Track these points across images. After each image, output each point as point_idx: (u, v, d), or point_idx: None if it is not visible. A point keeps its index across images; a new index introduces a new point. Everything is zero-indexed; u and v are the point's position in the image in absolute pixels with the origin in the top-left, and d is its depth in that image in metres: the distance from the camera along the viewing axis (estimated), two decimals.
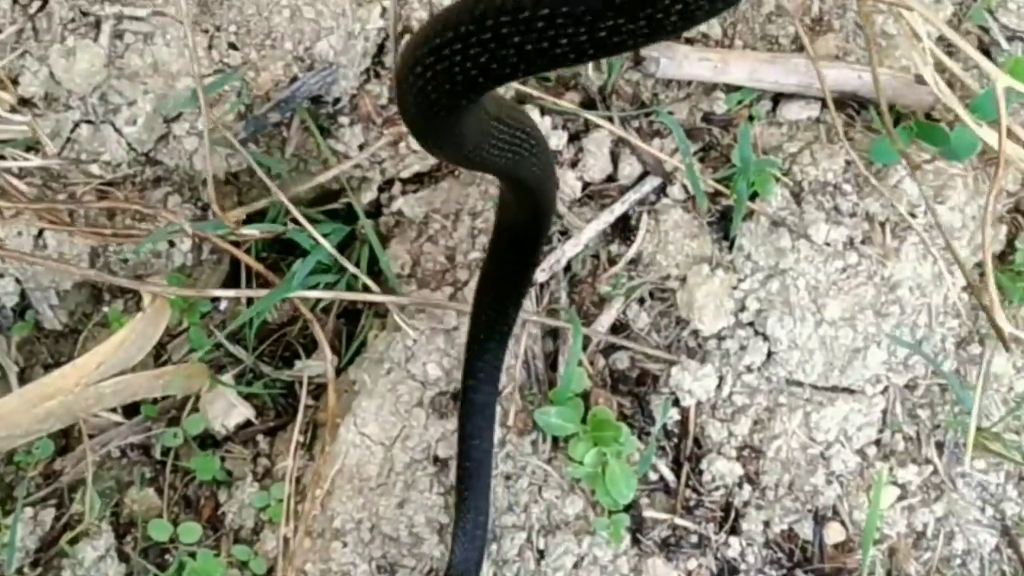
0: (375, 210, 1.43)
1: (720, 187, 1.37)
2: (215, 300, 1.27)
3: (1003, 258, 1.45)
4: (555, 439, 1.34)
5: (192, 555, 1.25)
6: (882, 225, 1.37)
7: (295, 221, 1.22)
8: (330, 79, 1.33)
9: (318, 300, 1.37)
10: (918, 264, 1.36)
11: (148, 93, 1.31)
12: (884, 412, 1.40)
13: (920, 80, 1.38)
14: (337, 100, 1.38)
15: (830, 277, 1.35)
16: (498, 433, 1.31)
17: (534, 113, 1.38)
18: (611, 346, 1.39)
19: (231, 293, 1.25)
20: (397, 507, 1.30)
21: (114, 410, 1.29)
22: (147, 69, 1.30)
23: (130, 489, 1.31)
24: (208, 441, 1.33)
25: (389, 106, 1.39)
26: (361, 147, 1.39)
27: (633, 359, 1.39)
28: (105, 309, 1.29)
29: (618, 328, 1.39)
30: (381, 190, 1.43)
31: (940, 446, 1.42)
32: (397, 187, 1.42)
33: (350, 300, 1.41)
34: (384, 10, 1.34)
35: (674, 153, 1.39)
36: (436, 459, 1.31)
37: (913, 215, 1.36)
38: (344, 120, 1.38)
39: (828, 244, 1.36)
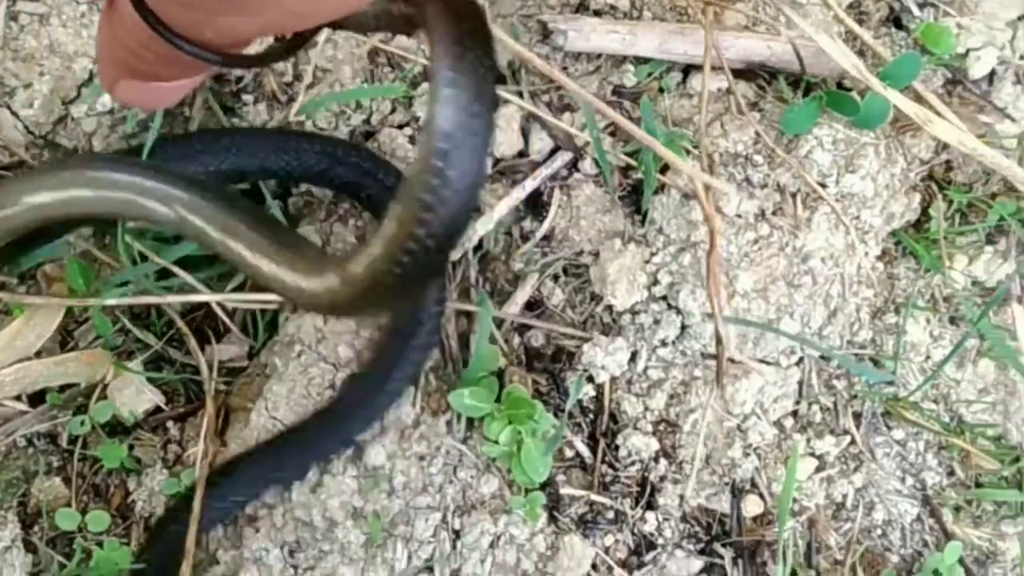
0: (283, 191, 1.61)
1: (631, 161, 1.56)
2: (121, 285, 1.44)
3: (918, 226, 1.66)
4: (470, 419, 1.53)
5: (100, 544, 1.43)
6: (793, 196, 1.57)
7: None
8: None
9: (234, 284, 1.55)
10: (830, 234, 1.56)
11: (45, 75, 1.48)
12: (800, 383, 1.60)
13: (830, 49, 1.58)
14: (240, 78, 1.56)
15: (742, 249, 1.55)
16: (412, 414, 1.50)
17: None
18: (526, 324, 1.59)
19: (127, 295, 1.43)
20: (310, 491, 1.48)
21: (19, 398, 1.46)
22: (43, 51, 1.48)
23: (36, 478, 1.48)
24: (117, 428, 1.50)
25: (295, 83, 1.58)
26: (265, 126, 1.57)
27: (548, 336, 1.58)
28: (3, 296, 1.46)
29: (533, 305, 1.59)
30: None
31: (857, 416, 1.63)
32: None
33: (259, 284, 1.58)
34: None
35: (584, 127, 1.58)
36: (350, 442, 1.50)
37: (824, 185, 1.57)
38: (248, 98, 1.56)
39: (739, 216, 1.56)
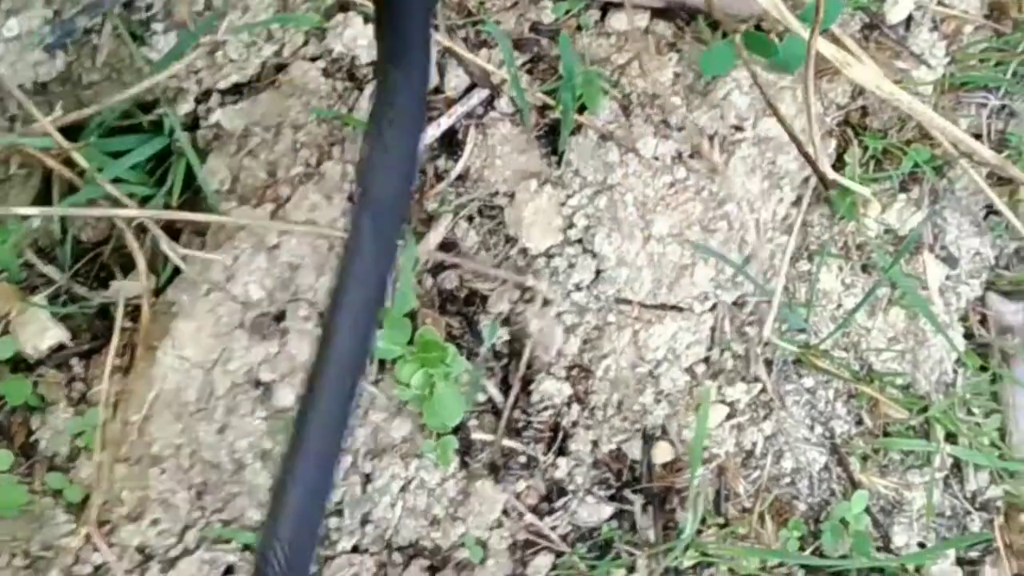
0: (193, 123, 1.69)
1: (548, 100, 1.67)
2: (25, 218, 1.52)
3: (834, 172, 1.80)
4: (382, 361, 1.64)
5: None
6: (711, 139, 1.70)
7: (108, 135, 1.49)
8: None
9: (132, 219, 1.63)
10: (746, 179, 1.69)
11: None
12: (713, 330, 1.74)
13: None
14: (150, 5, 1.63)
15: (658, 192, 1.67)
16: None
17: (356, 20, 1.66)
18: (439, 265, 1.70)
19: (35, 211, 1.51)
20: (218, 432, 1.57)
21: None
22: None
23: None
24: (20, 365, 1.58)
25: (205, 12, 1.66)
26: (176, 56, 1.65)
27: (462, 278, 1.69)
28: None
29: (446, 246, 1.69)
30: (198, 102, 1.69)
31: (769, 364, 1.77)
32: (215, 98, 1.69)
33: (167, 219, 1.67)
34: None
35: (502, 65, 1.69)
36: (259, 383, 1.59)
37: (741, 128, 1.70)
38: (158, 27, 1.63)
39: (657, 158, 1.68)
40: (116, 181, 1.56)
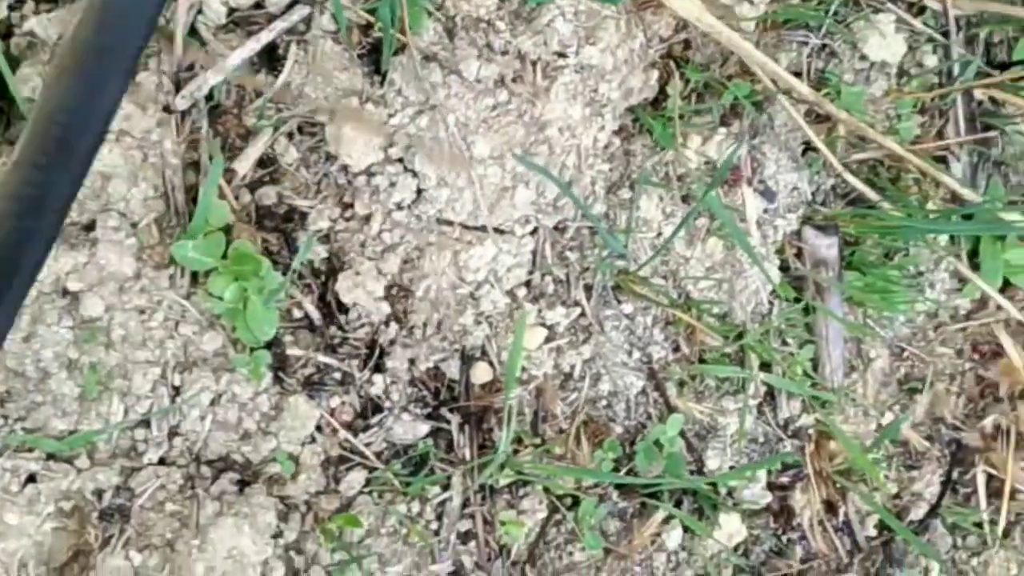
0: (6, 30, 1.67)
1: (371, 18, 1.68)
2: None
3: (655, 104, 1.84)
4: (194, 275, 1.64)
5: None
6: (533, 64, 1.73)
7: None
8: None
9: None
10: (568, 105, 1.72)
11: None
12: (534, 253, 1.77)
13: None
14: None
15: (480, 115, 1.69)
16: (132, 266, 1.60)
17: None
18: (258, 181, 1.70)
19: None
20: (23, 341, 1.56)
21: None
22: None
23: None
24: None
25: None
26: None
27: (280, 195, 1.70)
28: None
29: (265, 162, 1.70)
30: (12, 8, 1.66)
31: (589, 289, 1.81)
32: (29, 6, 1.66)
33: None
34: None
35: None
36: (66, 292, 1.58)
37: (564, 55, 1.73)
38: None
39: (479, 81, 1.70)
40: None
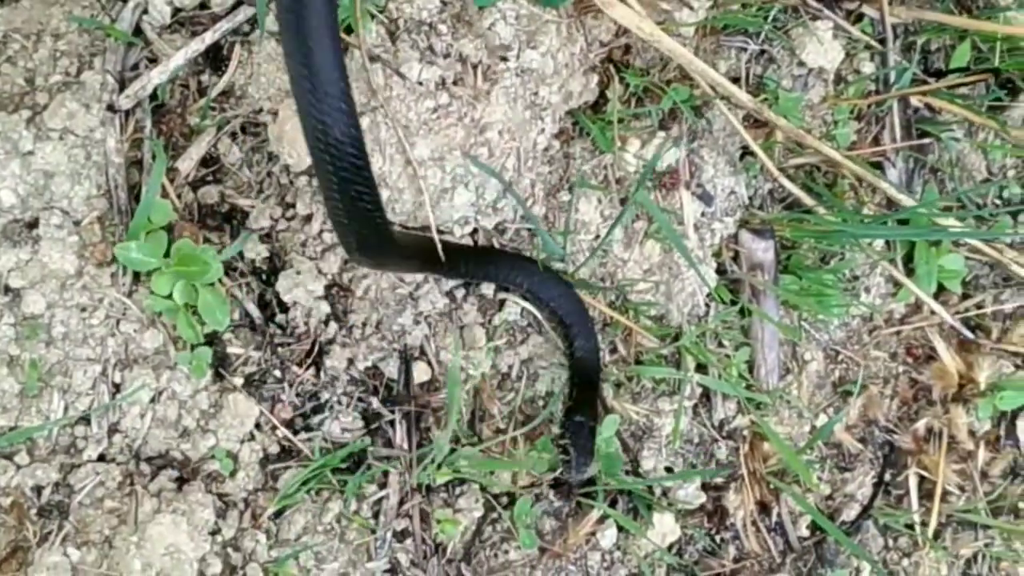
0: None
1: None
2: None
3: (595, 108, 1.92)
4: (136, 274, 1.70)
5: None
6: (475, 67, 1.80)
7: None
8: None
9: None
10: (509, 108, 1.79)
11: None
12: None
13: None
14: None
15: (421, 116, 1.76)
16: (75, 264, 1.66)
17: None
18: (201, 180, 1.76)
19: None
20: None
21: None
22: None
23: None
24: None
25: None
26: None
27: (223, 194, 1.76)
28: None
29: (209, 161, 1.76)
30: None
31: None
32: None
33: None
34: None
35: None
36: (7, 289, 1.64)
37: (505, 59, 1.80)
38: None
39: (421, 83, 1.76)
40: None
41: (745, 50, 1.92)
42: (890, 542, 2.12)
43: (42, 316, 1.57)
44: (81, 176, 1.61)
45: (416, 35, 1.72)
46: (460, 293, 1.77)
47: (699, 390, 1.94)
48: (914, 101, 2.04)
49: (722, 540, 1.98)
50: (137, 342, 1.63)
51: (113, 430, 1.63)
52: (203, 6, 1.72)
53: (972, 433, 2.13)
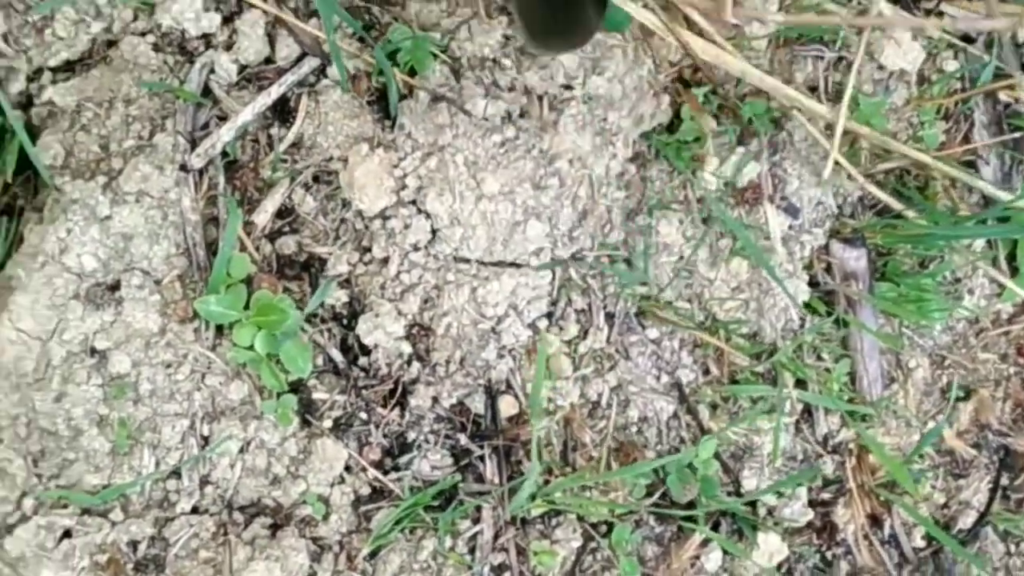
0: (27, 101, 1.69)
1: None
2: None
3: (670, 129, 1.79)
4: (219, 327, 1.64)
5: None
6: (540, 98, 1.70)
7: None
8: None
9: None
10: (577, 136, 1.69)
11: None
12: (553, 284, 1.73)
13: None
14: None
15: (488, 152, 1.67)
16: (158, 322, 1.61)
17: None
18: (278, 231, 1.70)
19: None
20: (55, 401, 1.58)
21: None
22: None
23: None
24: None
25: None
26: (5, 37, 1.65)
27: (300, 243, 1.70)
28: None
29: (284, 212, 1.70)
30: (30, 80, 1.69)
31: (611, 316, 1.77)
32: (47, 76, 1.69)
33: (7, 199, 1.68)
34: None
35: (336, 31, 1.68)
36: (94, 351, 1.60)
37: (570, 87, 1.69)
38: None
39: (486, 119, 1.68)
40: None
41: (821, 58, 1.79)
42: (1011, 547, 1.94)
43: (128, 375, 1.52)
44: (159, 236, 1.56)
45: (480, 71, 1.64)
46: (543, 324, 1.65)
47: (799, 406, 1.78)
48: (1003, 96, 1.85)
49: (833, 556, 1.84)
50: (223, 394, 1.57)
51: (204, 482, 1.57)
52: (268, 61, 1.67)
53: None
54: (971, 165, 1.91)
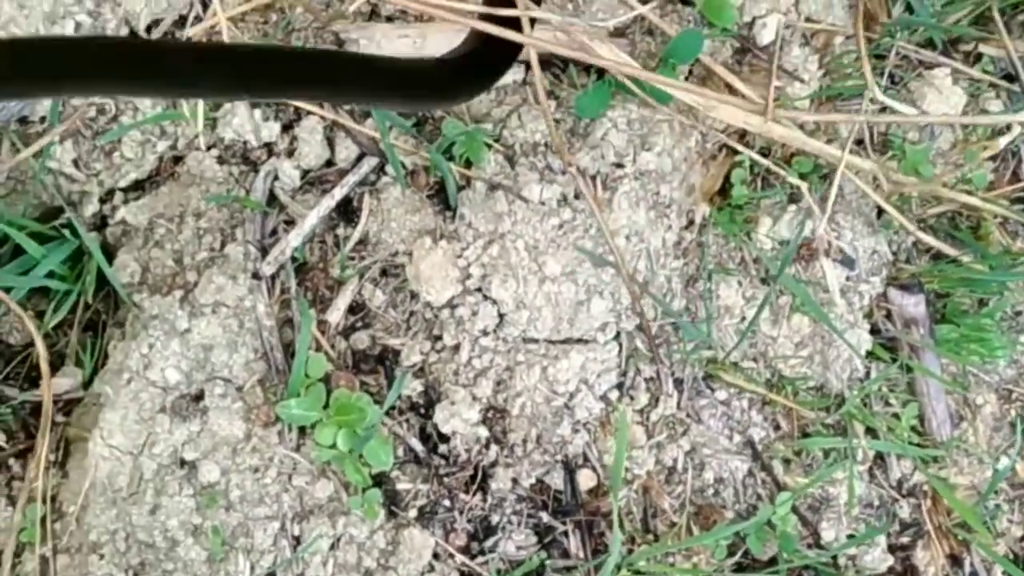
0: (101, 222, 1.70)
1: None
2: None
3: (722, 193, 1.77)
4: (301, 428, 1.63)
5: None
6: (593, 178, 1.68)
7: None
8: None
9: (60, 319, 1.64)
10: (632, 212, 1.67)
11: None
12: (620, 356, 1.71)
13: (617, 33, 1.68)
14: (44, 118, 1.64)
15: (547, 235, 1.65)
16: (242, 428, 1.60)
17: (242, 108, 1.66)
18: (351, 327, 1.69)
19: None
20: (150, 514, 1.58)
21: None
22: None
23: None
24: None
25: (99, 117, 1.66)
26: (76, 162, 1.65)
27: (373, 337, 1.69)
28: None
29: (355, 309, 1.69)
30: (103, 201, 1.69)
31: (680, 382, 1.75)
32: (118, 197, 1.69)
33: (90, 315, 1.68)
34: (78, 24, 1.61)
35: (390, 131, 1.67)
36: (183, 462, 1.59)
37: (621, 165, 1.67)
38: (55, 137, 1.64)
39: (543, 203, 1.66)
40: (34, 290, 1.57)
41: (865, 111, 1.73)
42: None
43: (218, 483, 1.52)
44: (237, 344, 1.56)
45: (533, 157, 1.63)
46: (614, 395, 1.63)
47: (871, 453, 1.74)
48: None
49: None
50: (310, 493, 1.56)
51: None
52: (329, 163, 1.66)
53: None
54: (1022, 202, 1.86)
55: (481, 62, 1.35)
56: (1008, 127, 1.87)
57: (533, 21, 1.46)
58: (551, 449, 1.70)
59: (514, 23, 1.38)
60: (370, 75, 1.13)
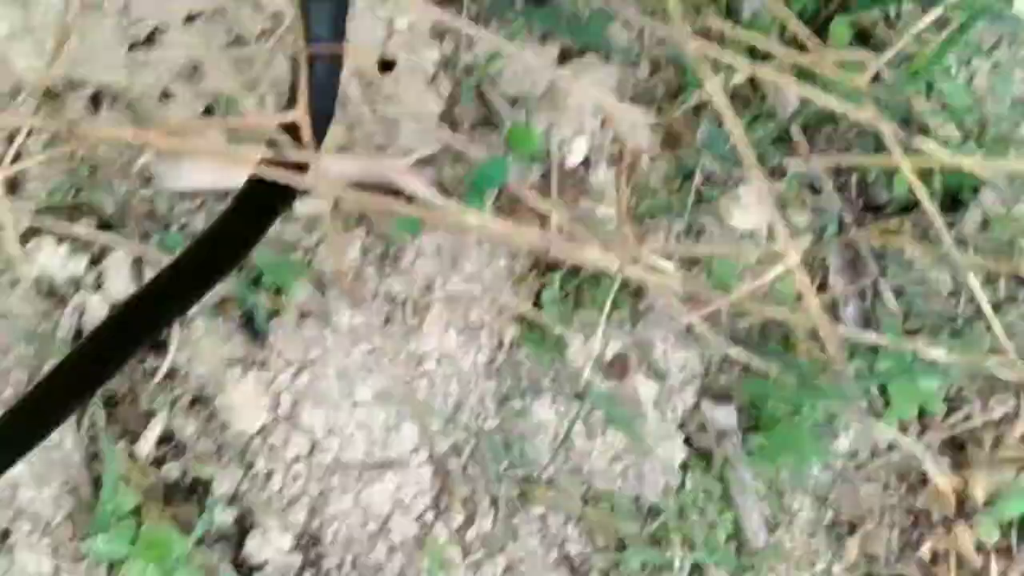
0: None
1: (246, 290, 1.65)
2: None
3: (536, 308, 1.78)
4: (111, 564, 1.60)
5: None
6: (403, 304, 1.68)
7: None
8: None
9: None
10: (442, 336, 1.68)
11: None
12: (434, 477, 1.71)
13: (424, 161, 1.69)
14: None
15: (357, 361, 1.65)
16: (50, 565, 1.56)
17: (48, 241, 1.63)
18: (162, 458, 1.66)
19: None
20: None
21: None
22: None
23: None
24: None
25: None
26: None
27: (185, 469, 1.66)
28: None
29: (166, 439, 1.66)
30: None
31: (495, 500, 1.74)
32: None
33: None
34: None
35: None
36: None
37: (431, 289, 1.68)
38: None
39: (352, 330, 1.66)
40: None
41: (672, 228, 1.76)
42: None
43: None
44: (44, 479, 1.50)
45: (342, 284, 1.60)
46: (429, 516, 1.62)
47: (688, 564, 1.74)
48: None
49: None
50: None
51: None
52: None
53: (980, 548, 1.89)
54: (835, 306, 1.89)
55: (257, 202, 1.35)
56: (820, 237, 1.91)
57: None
58: (367, 573, 1.69)
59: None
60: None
